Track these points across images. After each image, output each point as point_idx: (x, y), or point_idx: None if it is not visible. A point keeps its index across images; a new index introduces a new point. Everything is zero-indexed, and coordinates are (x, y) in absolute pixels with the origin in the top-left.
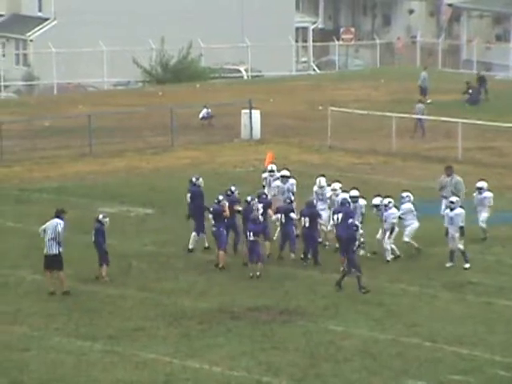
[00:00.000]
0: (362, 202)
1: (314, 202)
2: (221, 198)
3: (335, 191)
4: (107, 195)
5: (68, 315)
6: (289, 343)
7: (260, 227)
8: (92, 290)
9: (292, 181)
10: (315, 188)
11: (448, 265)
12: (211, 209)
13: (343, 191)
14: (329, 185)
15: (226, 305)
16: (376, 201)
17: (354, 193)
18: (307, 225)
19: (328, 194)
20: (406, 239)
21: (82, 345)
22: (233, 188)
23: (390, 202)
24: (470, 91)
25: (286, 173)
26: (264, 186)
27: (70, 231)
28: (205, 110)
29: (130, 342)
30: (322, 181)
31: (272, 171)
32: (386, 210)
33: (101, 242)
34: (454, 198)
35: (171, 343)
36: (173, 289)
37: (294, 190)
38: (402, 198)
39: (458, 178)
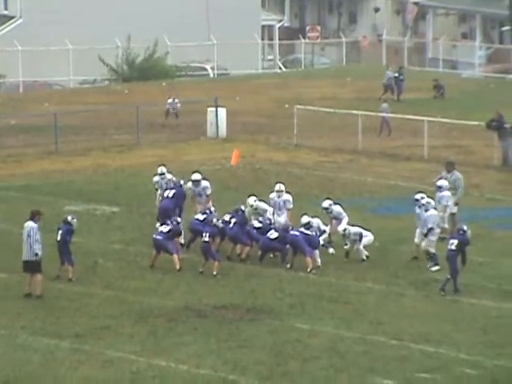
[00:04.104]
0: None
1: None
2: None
3: (252, 207)
4: (73, 193)
5: (34, 313)
6: (255, 341)
7: (215, 229)
8: (58, 288)
9: (205, 183)
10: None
11: (434, 268)
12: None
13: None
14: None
15: (193, 303)
16: (325, 204)
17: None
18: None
19: (271, 195)
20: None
21: (49, 343)
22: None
23: (428, 203)
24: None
25: (196, 177)
26: (157, 189)
27: None
28: (170, 101)
29: (97, 340)
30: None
31: (162, 174)
32: (425, 211)
33: (68, 243)
34: (421, 197)
35: (137, 341)
36: (139, 287)
37: (208, 192)
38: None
39: (458, 174)
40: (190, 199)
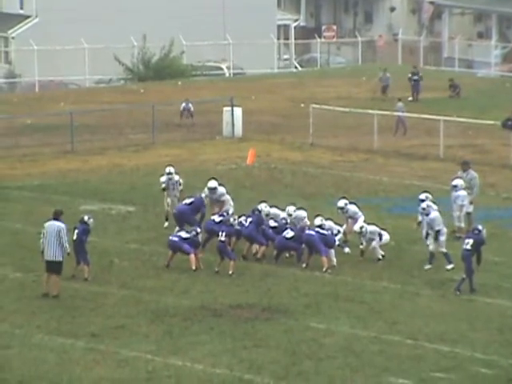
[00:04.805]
0: None
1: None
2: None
3: (290, 216)
4: (89, 192)
5: (50, 313)
6: (271, 341)
7: (232, 229)
8: (74, 287)
9: (221, 190)
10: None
11: (426, 267)
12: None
13: (299, 208)
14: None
15: (209, 302)
16: (341, 203)
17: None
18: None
19: (284, 215)
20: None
21: (64, 342)
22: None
23: (428, 206)
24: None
25: (212, 184)
26: (164, 189)
27: None
28: (184, 104)
29: (112, 340)
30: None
31: (170, 174)
32: (427, 215)
33: (84, 242)
34: (426, 196)
35: (153, 341)
36: (155, 286)
37: (222, 199)
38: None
39: (473, 173)
40: (210, 205)
